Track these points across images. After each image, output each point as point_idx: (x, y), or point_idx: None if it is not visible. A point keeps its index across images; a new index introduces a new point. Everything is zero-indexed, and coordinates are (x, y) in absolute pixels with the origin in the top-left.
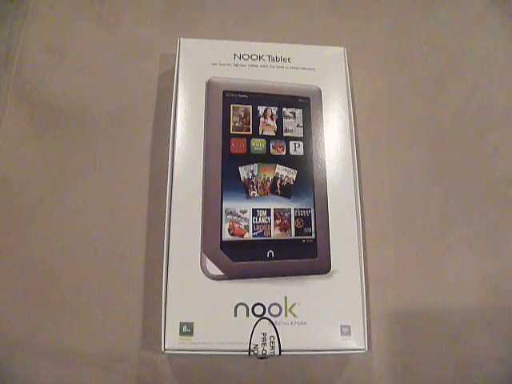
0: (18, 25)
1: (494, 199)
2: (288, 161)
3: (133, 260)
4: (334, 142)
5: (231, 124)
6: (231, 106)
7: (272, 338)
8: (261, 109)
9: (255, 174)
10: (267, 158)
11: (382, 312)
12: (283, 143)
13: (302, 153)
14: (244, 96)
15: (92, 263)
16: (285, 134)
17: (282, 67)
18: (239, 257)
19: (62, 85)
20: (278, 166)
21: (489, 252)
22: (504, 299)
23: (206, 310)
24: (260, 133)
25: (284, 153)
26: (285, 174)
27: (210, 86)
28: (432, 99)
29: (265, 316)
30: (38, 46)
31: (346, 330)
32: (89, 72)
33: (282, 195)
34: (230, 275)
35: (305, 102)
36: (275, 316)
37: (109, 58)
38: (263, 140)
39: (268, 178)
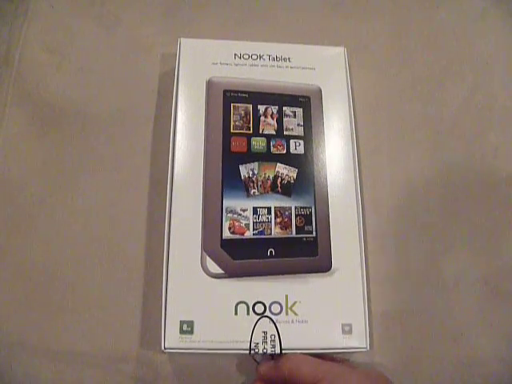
0: (18, 25)
1: (494, 199)
2: (288, 159)
3: (133, 259)
4: (334, 141)
5: (231, 123)
6: (231, 105)
7: (273, 337)
8: (261, 108)
9: (256, 172)
10: (268, 157)
11: (382, 311)
12: (284, 142)
13: (302, 151)
14: (244, 95)
15: (92, 262)
16: (285, 133)
17: (283, 67)
18: (240, 255)
19: (62, 85)
20: (278, 164)
21: (489, 252)
22: (504, 299)
23: (207, 308)
24: (260, 132)
25: (284, 151)
26: (285, 172)
27: (210, 85)
28: (432, 99)
29: (265, 314)
30: (38, 46)
31: (347, 329)
32: (89, 72)
33: (282, 193)
34: (231, 273)
35: (305, 101)
36: (276, 314)
37: (109, 58)
38: (263, 139)
39: (268, 176)
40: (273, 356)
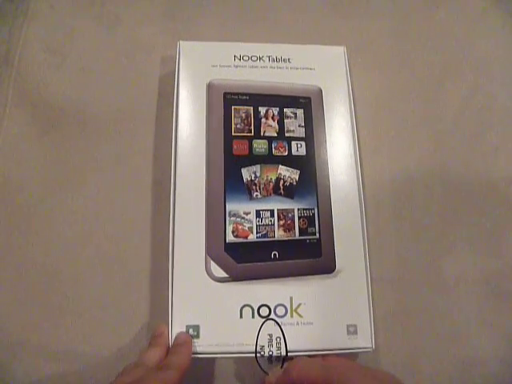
0: (18, 25)
1: (494, 199)
2: (290, 161)
3: (137, 262)
4: (335, 142)
5: (233, 126)
6: (232, 107)
7: (278, 339)
8: (262, 110)
9: (258, 175)
10: (269, 159)
11: (383, 312)
12: (285, 144)
13: (304, 153)
14: (245, 97)
15: (94, 264)
16: (286, 135)
17: (282, 68)
18: (244, 258)
19: (63, 85)
20: (280, 166)
21: (489, 252)
22: (504, 299)
23: (212, 312)
24: (262, 134)
25: (286, 153)
26: (287, 174)
27: (210, 88)
28: (432, 99)
29: (270, 317)
30: (38, 46)
31: (352, 330)
32: (89, 72)
33: (285, 196)
34: (235, 277)
35: (306, 102)
36: (281, 317)
37: (109, 59)
38: (265, 141)
39: (271, 178)
40: (282, 363)
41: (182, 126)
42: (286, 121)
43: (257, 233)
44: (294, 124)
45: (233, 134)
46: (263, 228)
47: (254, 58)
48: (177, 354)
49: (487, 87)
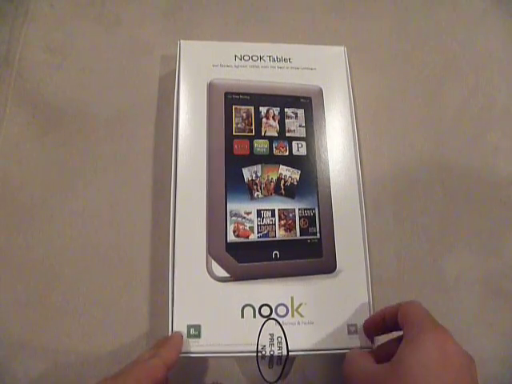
0: (18, 25)
1: (493, 199)
2: (291, 161)
3: (137, 262)
4: (336, 141)
5: (234, 125)
6: (233, 107)
7: (279, 339)
8: (263, 110)
9: (259, 174)
10: (270, 159)
11: None
12: (286, 143)
13: (304, 153)
14: (246, 97)
15: (94, 264)
16: (287, 135)
17: (283, 67)
18: (245, 258)
19: (63, 85)
20: (281, 166)
21: (489, 252)
22: (504, 299)
23: (213, 311)
24: (262, 134)
25: (287, 153)
26: (288, 174)
27: (211, 87)
28: (432, 99)
29: (272, 317)
30: (38, 46)
31: (352, 329)
32: (89, 72)
33: (286, 195)
34: (236, 277)
35: (306, 102)
36: (282, 316)
37: (109, 58)
38: (266, 141)
39: (272, 178)
40: (284, 365)
41: (182, 125)
42: (286, 121)
43: (258, 232)
44: (295, 124)
45: (234, 133)
46: (264, 228)
47: (254, 58)
48: (164, 345)
49: (487, 87)
